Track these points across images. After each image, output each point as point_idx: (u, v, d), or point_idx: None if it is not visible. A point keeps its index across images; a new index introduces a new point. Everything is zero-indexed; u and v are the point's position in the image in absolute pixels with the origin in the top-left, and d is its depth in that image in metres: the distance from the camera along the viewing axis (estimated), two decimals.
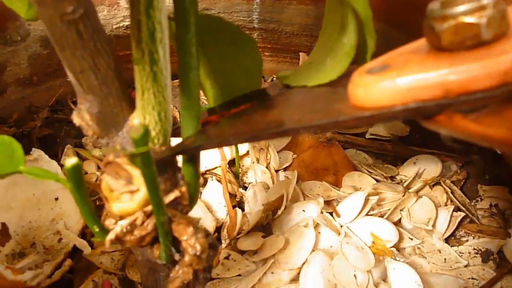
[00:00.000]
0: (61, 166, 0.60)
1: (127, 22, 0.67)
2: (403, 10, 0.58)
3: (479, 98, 0.21)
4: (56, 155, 0.64)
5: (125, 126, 0.28)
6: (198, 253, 0.30)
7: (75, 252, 0.51)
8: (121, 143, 0.29)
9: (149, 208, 0.29)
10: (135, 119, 0.28)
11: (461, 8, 0.21)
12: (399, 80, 0.22)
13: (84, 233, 0.53)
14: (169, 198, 0.30)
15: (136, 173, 0.28)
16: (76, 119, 0.28)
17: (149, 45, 0.24)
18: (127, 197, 0.29)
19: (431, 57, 0.23)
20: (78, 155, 0.65)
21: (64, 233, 0.51)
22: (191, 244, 0.30)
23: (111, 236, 0.28)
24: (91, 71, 0.25)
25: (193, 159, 0.32)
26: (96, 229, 0.30)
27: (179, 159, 0.32)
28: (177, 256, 0.32)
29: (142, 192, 0.28)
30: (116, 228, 0.28)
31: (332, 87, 0.30)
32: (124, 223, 0.28)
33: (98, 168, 0.63)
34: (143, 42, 0.23)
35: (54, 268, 0.48)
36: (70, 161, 0.25)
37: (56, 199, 0.54)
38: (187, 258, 0.31)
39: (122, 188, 0.28)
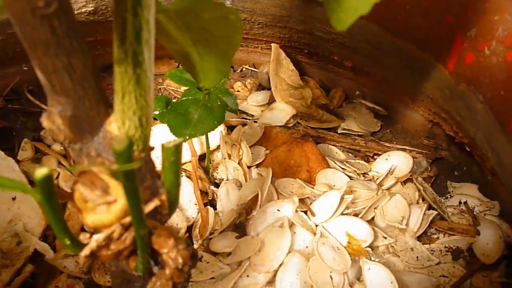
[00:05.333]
0: (18, 162, 0.56)
1: (90, 8, 0.63)
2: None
3: None
4: (12, 149, 0.59)
5: (101, 131, 0.26)
6: (180, 266, 0.28)
7: (36, 256, 0.48)
8: (96, 149, 0.26)
9: (127, 219, 0.27)
10: (113, 124, 0.25)
11: None
12: None
13: (46, 236, 0.50)
14: (148, 208, 0.28)
15: (113, 183, 0.26)
16: (46, 123, 0.25)
17: (134, 45, 0.21)
18: (103, 208, 0.26)
19: None
20: (36, 149, 0.60)
21: (24, 235, 0.48)
22: (173, 257, 0.28)
23: (85, 252, 0.26)
24: (65, 72, 0.22)
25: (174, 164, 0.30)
26: (68, 242, 0.27)
27: (159, 165, 0.29)
28: (155, 269, 0.30)
29: (120, 203, 0.26)
30: (91, 243, 0.26)
31: None
32: (99, 237, 0.26)
33: (59, 163, 0.59)
34: (128, 42, 0.21)
35: (13, 275, 0.44)
36: (41, 171, 0.22)
37: (14, 198, 0.50)
38: (168, 272, 0.29)
39: (98, 199, 0.26)
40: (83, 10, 0.64)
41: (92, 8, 0.64)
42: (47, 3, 0.19)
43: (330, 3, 0.23)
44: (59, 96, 0.23)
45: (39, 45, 0.21)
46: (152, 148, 0.29)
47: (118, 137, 0.24)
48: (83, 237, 0.26)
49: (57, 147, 0.61)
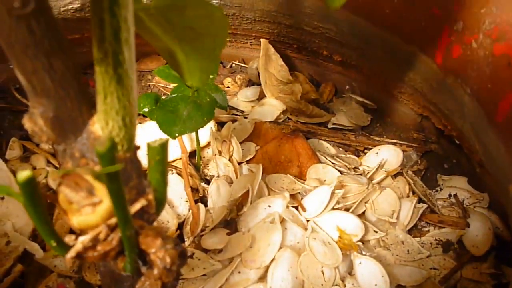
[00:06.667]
0: (6, 161, 0.56)
1: (76, 5, 0.62)
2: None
3: None
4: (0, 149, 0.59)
5: (84, 131, 0.26)
6: (168, 266, 0.28)
7: (26, 255, 0.47)
8: (80, 150, 0.26)
9: (113, 220, 0.26)
10: (97, 124, 0.25)
11: None
12: None
13: (35, 235, 0.49)
14: (135, 208, 0.28)
15: (98, 184, 0.26)
16: (28, 124, 0.24)
17: (113, 45, 0.21)
18: (88, 210, 0.26)
19: None
20: (24, 148, 0.60)
21: (13, 235, 0.47)
22: (160, 257, 0.28)
23: (71, 254, 0.25)
24: (46, 72, 0.22)
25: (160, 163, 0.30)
26: (53, 243, 0.27)
27: (145, 163, 0.29)
28: (143, 269, 0.30)
29: (106, 204, 0.26)
30: (77, 245, 0.25)
31: None
32: (85, 238, 0.26)
33: (48, 162, 0.58)
34: (107, 42, 0.21)
35: (2, 275, 0.44)
36: (23, 173, 0.22)
37: (2, 198, 0.50)
38: (156, 272, 0.29)
39: (83, 201, 0.25)
40: (70, 7, 0.64)
41: (78, 5, 0.63)
42: (23, 3, 0.19)
43: None
44: (40, 97, 0.23)
45: (17, 45, 0.20)
46: (138, 147, 0.28)
47: (101, 137, 0.24)
48: (68, 239, 0.26)
49: (45, 145, 0.60)
